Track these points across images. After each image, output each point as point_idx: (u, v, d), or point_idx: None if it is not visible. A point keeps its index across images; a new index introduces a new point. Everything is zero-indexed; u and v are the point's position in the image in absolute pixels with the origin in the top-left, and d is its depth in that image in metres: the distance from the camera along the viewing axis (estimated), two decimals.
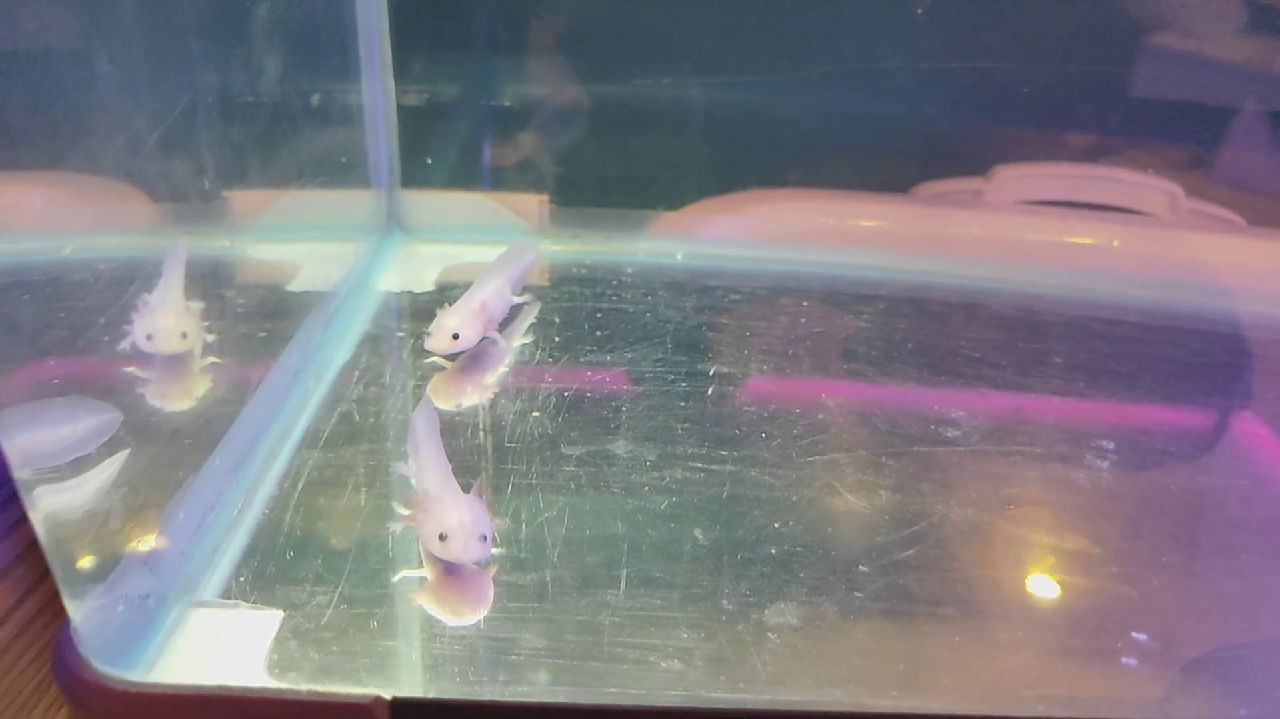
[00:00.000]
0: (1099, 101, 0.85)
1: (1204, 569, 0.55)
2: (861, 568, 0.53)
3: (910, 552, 0.54)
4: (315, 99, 0.74)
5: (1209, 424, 0.69)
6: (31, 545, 0.57)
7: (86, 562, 0.46)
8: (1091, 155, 0.87)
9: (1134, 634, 0.50)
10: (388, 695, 0.44)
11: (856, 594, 0.51)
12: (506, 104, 0.87)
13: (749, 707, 0.45)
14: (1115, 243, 0.87)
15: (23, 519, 0.55)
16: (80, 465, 0.47)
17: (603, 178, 0.89)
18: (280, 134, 0.69)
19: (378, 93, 0.83)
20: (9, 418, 0.41)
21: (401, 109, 0.84)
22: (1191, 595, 0.54)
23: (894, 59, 0.84)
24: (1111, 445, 0.63)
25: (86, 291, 0.52)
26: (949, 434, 0.64)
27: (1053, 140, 0.88)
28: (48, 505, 0.43)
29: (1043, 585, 0.53)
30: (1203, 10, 0.80)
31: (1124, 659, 0.49)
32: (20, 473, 0.42)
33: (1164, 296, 0.82)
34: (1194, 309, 0.81)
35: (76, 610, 0.45)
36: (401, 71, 0.83)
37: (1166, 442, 0.65)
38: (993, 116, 0.87)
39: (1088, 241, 0.86)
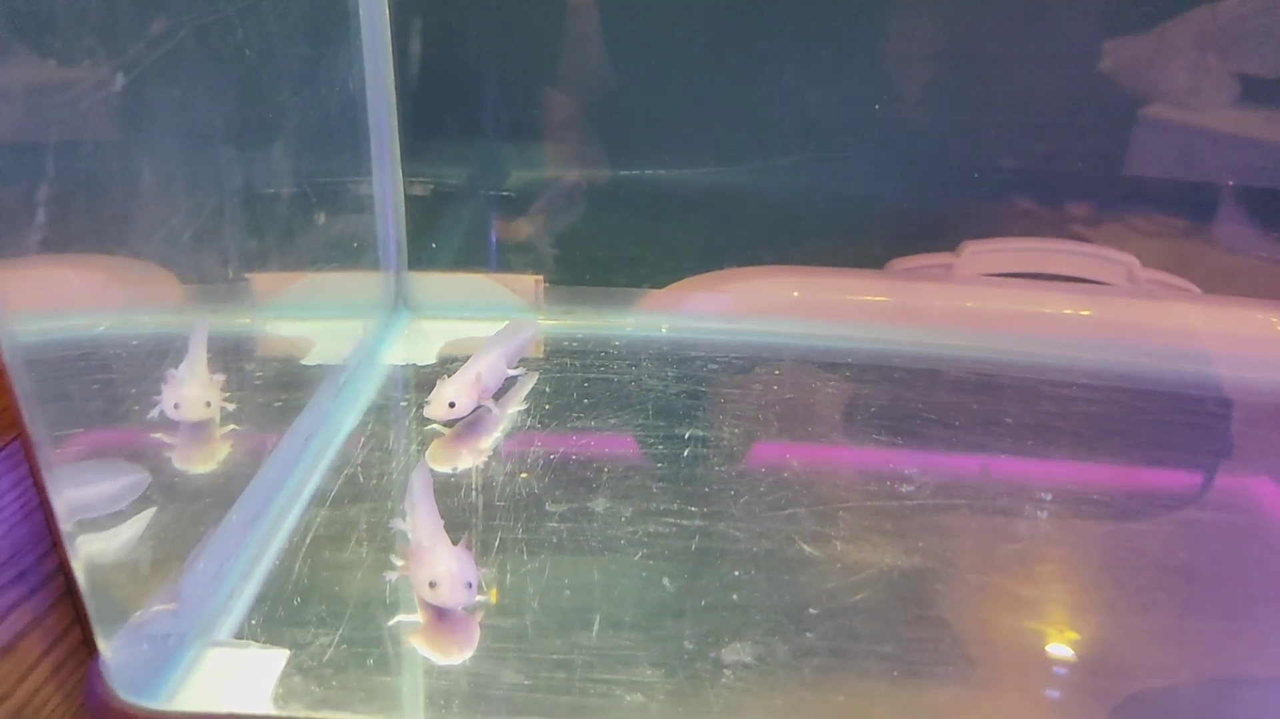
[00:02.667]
0: (1065, 177, 0.91)
1: (1128, 609, 0.60)
2: (812, 611, 0.58)
3: (859, 596, 0.59)
4: (330, 190, 0.81)
5: (1141, 474, 0.73)
6: (60, 599, 0.62)
7: (117, 603, 0.52)
8: (1060, 228, 0.93)
9: (1057, 670, 0.55)
10: None
11: (807, 635, 0.56)
12: (505, 193, 0.94)
13: None
14: (1084, 312, 0.93)
15: (55, 573, 0.61)
16: (114, 520, 0.53)
17: (594, 258, 0.95)
18: (298, 222, 0.75)
19: (387, 184, 0.90)
20: (58, 477, 0.47)
21: (408, 198, 0.92)
22: (1118, 633, 0.58)
23: (865, 144, 0.91)
24: (1050, 497, 0.68)
25: (121, 365, 0.57)
26: (902, 489, 0.69)
27: (1024, 215, 0.93)
28: (87, 554, 0.49)
29: (977, 625, 0.58)
30: (1166, 82, 0.86)
31: (1048, 692, 0.54)
32: (65, 525, 0.48)
33: (1113, 359, 0.87)
34: (1139, 370, 0.86)
35: (107, 646, 0.51)
36: (409, 164, 0.91)
37: (1100, 493, 0.70)
38: (964, 194, 0.93)
39: (1044, 310, 0.91)
